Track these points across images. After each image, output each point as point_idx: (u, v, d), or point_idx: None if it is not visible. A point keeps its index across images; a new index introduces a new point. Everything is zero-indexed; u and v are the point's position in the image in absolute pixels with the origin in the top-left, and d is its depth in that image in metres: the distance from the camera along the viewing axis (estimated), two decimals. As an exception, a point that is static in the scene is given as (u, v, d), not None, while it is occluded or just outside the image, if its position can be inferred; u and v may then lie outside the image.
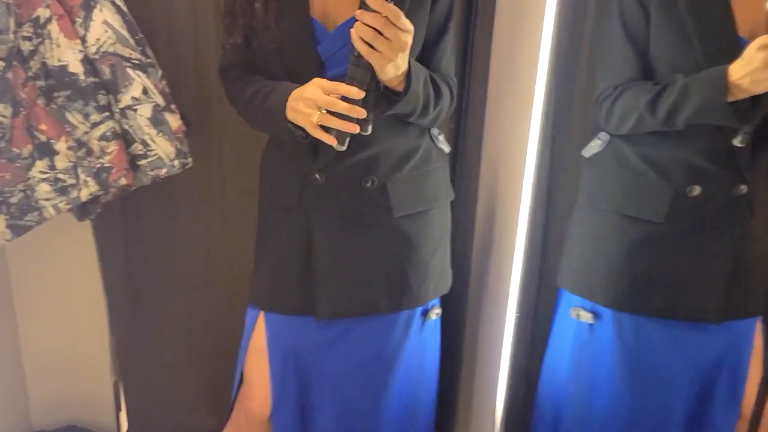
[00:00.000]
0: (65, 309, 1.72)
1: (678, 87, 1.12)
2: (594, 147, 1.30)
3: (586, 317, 1.30)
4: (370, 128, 1.07)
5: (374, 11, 0.97)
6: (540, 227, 1.55)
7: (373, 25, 0.97)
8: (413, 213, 1.24)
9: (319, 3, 1.15)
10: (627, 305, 1.26)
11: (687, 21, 1.13)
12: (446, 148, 1.33)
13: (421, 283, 1.28)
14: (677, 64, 1.15)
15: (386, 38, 0.98)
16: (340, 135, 1.05)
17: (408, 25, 1.00)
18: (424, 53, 1.20)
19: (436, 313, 1.35)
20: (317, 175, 1.19)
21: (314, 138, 1.09)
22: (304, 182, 1.21)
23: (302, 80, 1.11)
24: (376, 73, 1.04)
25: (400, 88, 1.09)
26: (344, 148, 1.07)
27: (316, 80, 1.07)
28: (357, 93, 1.02)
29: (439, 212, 1.30)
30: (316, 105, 1.05)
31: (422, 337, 1.35)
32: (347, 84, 1.03)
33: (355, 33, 0.99)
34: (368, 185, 1.20)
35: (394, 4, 0.98)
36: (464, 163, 1.59)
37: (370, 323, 1.27)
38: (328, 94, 1.04)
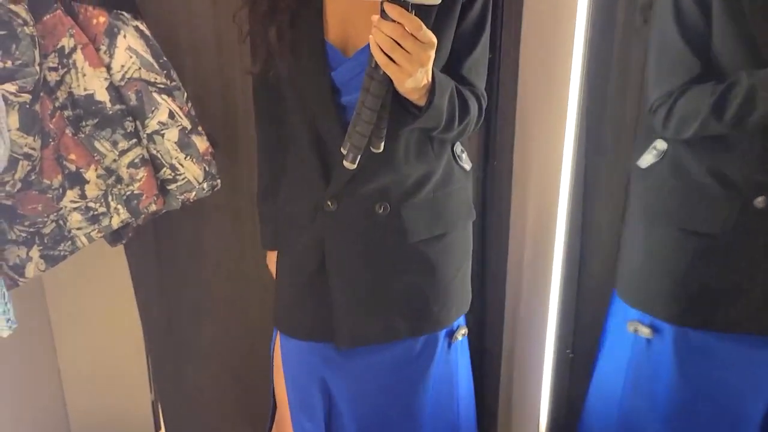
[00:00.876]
0: (102, 330, 1.74)
1: (744, 87, 1.05)
2: (650, 157, 1.24)
3: (644, 332, 1.25)
4: (382, 145, 1.01)
5: (393, 21, 0.89)
6: (577, 241, 1.51)
7: (391, 35, 0.89)
8: (431, 237, 1.19)
9: (336, 27, 1.10)
10: (690, 320, 1.21)
11: (750, 15, 1.06)
12: (468, 166, 1.26)
13: (442, 306, 1.22)
14: (739, 61, 1.09)
15: (405, 50, 0.90)
16: (350, 152, 0.98)
17: (430, 37, 0.91)
18: (452, 63, 1.12)
19: (462, 334, 1.30)
20: (329, 202, 1.15)
21: (325, 164, 1.12)
22: (316, 208, 1.17)
23: (313, 108, 1.10)
24: (393, 85, 0.96)
25: (422, 102, 1.01)
26: (354, 166, 0.99)
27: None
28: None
29: (459, 234, 1.24)
30: None
31: (449, 359, 1.30)
32: (361, 95, 0.96)
33: (373, 40, 0.91)
34: (380, 211, 1.15)
35: (417, 15, 0.90)
36: (495, 179, 1.54)
37: (391, 348, 1.23)
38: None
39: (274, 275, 1.32)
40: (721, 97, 1.08)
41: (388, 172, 1.12)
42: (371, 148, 1.00)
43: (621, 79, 1.31)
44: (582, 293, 1.61)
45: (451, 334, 1.28)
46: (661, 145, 1.23)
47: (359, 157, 0.98)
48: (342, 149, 0.98)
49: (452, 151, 1.21)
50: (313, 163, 1.15)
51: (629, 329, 1.28)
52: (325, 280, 1.18)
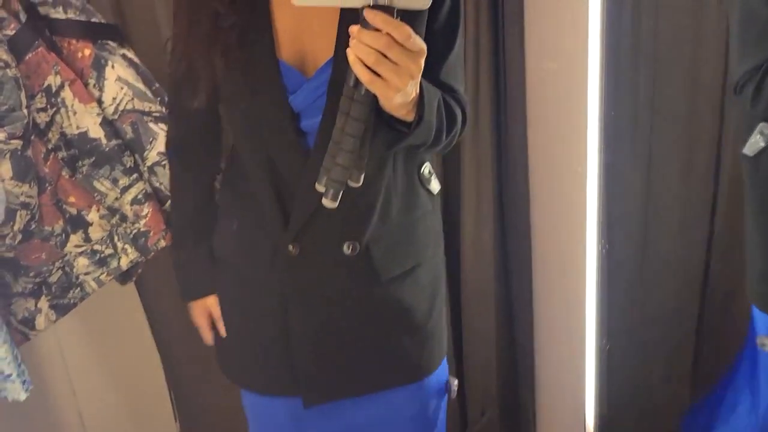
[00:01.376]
0: (120, 365, 1.68)
1: None
2: (758, 142, 1.12)
3: None
4: (362, 178, 0.86)
5: (375, 29, 0.74)
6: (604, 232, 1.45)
7: (375, 47, 0.74)
8: (402, 272, 1.05)
9: (290, 44, 0.95)
10: None
11: None
12: (436, 188, 1.11)
13: (422, 348, 1.09)
14: None
15: (392, 62, 0.75)
16: (329, 187, 0.83)
17: (420, 45, 0.77)
18: (428, 69, 0.88)
19: (455, 387, 1.16)
20: (290, 247, 0.99)
21: (282, 201, 0.99)
22: (274, 254, 1.02)
23: (268, 137, 0.97)
24: (377, 104, 0.83)
25: (410, 118, 0.87)
26: (336, 204, 0.84)
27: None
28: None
29: (429, 265, 1.10)
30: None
31: (429, 418, 1.15)
32: (339, 121, 0.81)
33: (353, 54, 0.76)
34: (349, 252, 1.01)
35: (402, 21, 0.75)
36: (509, 195, 1.49)
37: (367, 402, 1.10)
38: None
39: (202, 328, 1.18)
40: None
41: (353, 204, 0.98)
42: (350, 184, 0.85)
43: (640, 61, 1.23)
44: (613, 281, 1.55)
45: (447, 388, 1.15)
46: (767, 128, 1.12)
47: (341, 192, 0.84)
48: (318, 185, 0.84)
49: (419, 173, 1.07)
50: (268, 202, 1.00)
51: (758, 344, 1.16)
52: (285, 332, 1.05)
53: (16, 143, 1.09)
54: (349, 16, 0.77)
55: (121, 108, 1.20)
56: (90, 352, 1.64)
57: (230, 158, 1.10)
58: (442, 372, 1.14)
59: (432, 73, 0.95)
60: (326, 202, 0.83)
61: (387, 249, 1.03)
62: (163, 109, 1.24)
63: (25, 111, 1.10)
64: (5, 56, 1.07)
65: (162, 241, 1.25)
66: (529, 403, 1.78)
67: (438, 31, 0.96)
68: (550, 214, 1.51)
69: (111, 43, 1.21)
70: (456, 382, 1.17)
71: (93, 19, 1.20)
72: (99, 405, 1.68)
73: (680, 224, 1.52)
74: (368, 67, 0.75)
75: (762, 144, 1.12)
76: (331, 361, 1.06)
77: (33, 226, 1.15)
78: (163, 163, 1.23)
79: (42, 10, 1.15)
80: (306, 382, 1.06)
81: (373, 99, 0.80)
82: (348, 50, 0.76)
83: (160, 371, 1.68)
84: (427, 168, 1.09)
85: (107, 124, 1.19)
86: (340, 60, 0.88)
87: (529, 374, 1.75)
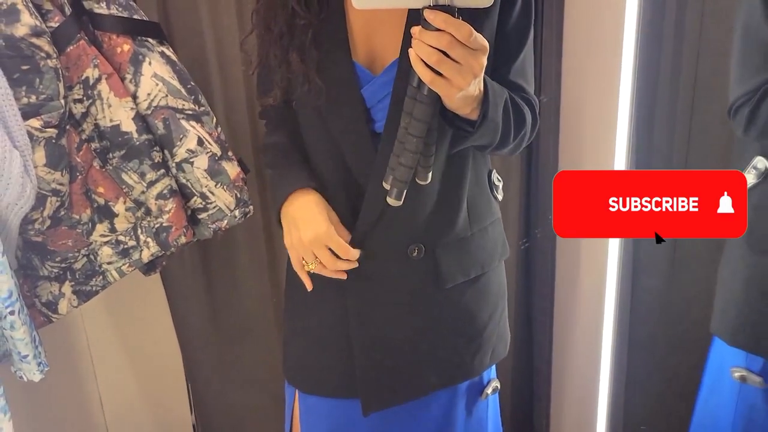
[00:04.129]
0: (142, 358, 1.72)
1: None
2: (751, 178, 1.10)
3: (754, 381, 1.11)
4: (429, 176, 0.89)
5: (437, 29, 0.75)
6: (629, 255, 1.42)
7: (437, 46, 0.75)
8: (467, 280, 1.05)
9: (362, 45, 0.97)
10: None
11: None
12: (501, 196, 1.13)
13: (475, 353, 1.09)
14: None
15: (455, 61, 0.77)
16: (394, 186, 0.86)
17: (482, 43, 0.78)
18: (498, 69, 0.98)
19: (493, 388, 1.16)
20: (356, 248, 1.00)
21: (352, 203, 0.99)
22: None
23: (343, 137, 0.98)
24: (441, 102, 0.83)
25: (474, 116, 0.88)
26: (400, 202, 0.87)
27: (322, 234, 0.97)
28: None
29: (495, 273, 1.11)
30: (312, 252, 0.98)
31: (479, 416, 1.16)
32: (403, 121, 0.84)
33: (414, 54, 0.77)
34: (414, 255, 1.01)
35: (463, 19, 0.76)
36: (538, 206, 1.46)
37: (419, 402, 1.10)
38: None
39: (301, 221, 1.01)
40: None
41: (422, 207, 0.99)
42: (417, 180, 0.88)
43: (672, 81, 1.19)
44: (636, 308, 1.51)
45: (481, 391, 1.15)
46: (762, 164, 1.08)
47: (405, 191, 0.86)
48: (384, 183, 0.87)
49: (489, 179, 1.09)
50: (339, 202, 1.02)
51: (734, 376, 1.13)
52: (346, 336, 1.05)
53: (52, 132, 1.12)
54: (416, 18, 0.78)
55: (154, 104, 1.22)
56: (114, 339, 1.67)
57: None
58: (487, 375, 1.15)
59: (502, 72, 0.98)
60: (391, 201, 0.87)
61: (454, 256, 1.04)
62: (197, 107, 1.26)
63: (62, 101, 1.13)
64: (47, 47, 1.11)
65: (183, 237, 1.26)
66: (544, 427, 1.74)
67: (509, 32, 0.97)
68: (573, 271, 1.49)
69: (150, 40, 1.24)
70: (495, 385, 1.16)
71: (135, 16, 1.23)
72: (118, 390, 1.72)
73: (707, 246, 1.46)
74: (430, 67, 0.77)
75: (754, 181, 1.09)
76: (390, 366, 1.06)
77: (62, 213, 1.18)
78: (191, 160, 1.25)
79: (86, 4, 1.19)
80: (365, 387, 1.06)
81: (437, 99, 0.82)
82: (410, 50, 0.78)
83: (179, 362, 1.71)
84: (495, 175, 1.10)
85: (140, 118, 1.21)
86: (405, 61, 0.88)
87: (545, 398, 1.72)
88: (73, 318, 1.61)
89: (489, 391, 1.15)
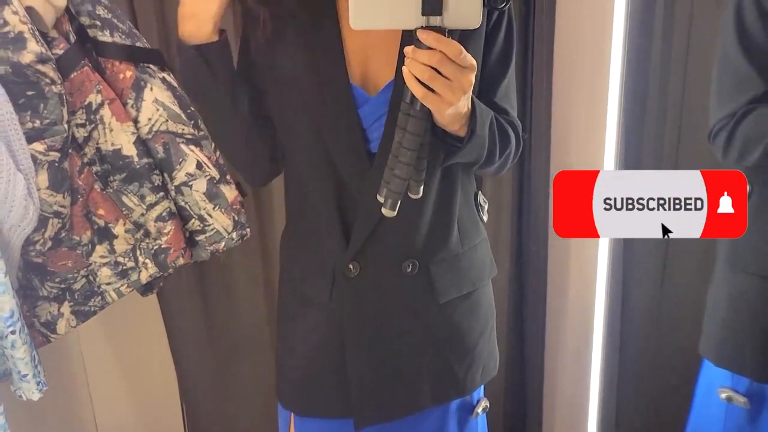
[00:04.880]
0: (137, 377, 1.73)
1: None
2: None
3: (739, 401, 1.13)
4: (421, 190, 0.93)
5: (428, 48, 0.81)
6: (619, 270, 1.45)
7: (429, 64, 0.81)
8: (459, 296, 1.10)
9: (358, 67, 1.02)
10: None
11: None
12: (486, 217, 1.18)
13: (467, 370, 1.13)
14: None
15: (446, 78, 0.82)
16: (388, 198, 0.90)
17: (471, 61, 0.84)
18: (484, 92, 1.04)
19: (483, 407, 1.19)
20: (350, 266, 1.04)
21: (344, 220, 1.02)
22: (335, 275, 1.06)
23: (340, 155, 1.01)
24: (432, 120, 0.89)
25: (463, 132, 0.94)
26: (394, 213, 0.90)
27: None
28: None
29: (485, 291, 1.16)
30: None
31: None
32: (397, 135, 0.88)
33: (408, 71, 0.83)
34: (409, 271, 1.05)
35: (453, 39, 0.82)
36: (530, 223, 1.49)
37: (410, 422, 1.12)
38: None
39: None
40: None
41: (416, 223, 1.04)
42: (409, 194, 0.92)
43: (660, 96, 1.22)
44: (626, 323, 1.53)
45: (471, 409, 1.18)
46: None
47: (398, 203, 0.91)
48: (378, 197, 0.91)
49: (476, 200, 1.14)
50: (330, 222, 1.05)
51: (721, 397, 1.15)
52: (342, 353, 1.08)
53: (55, 155, 1.15)
54: (409, 42, 0.84)
55: (155, 128, 1.26)
56: (109, 359, 1.69)
57: (292, 183, 1.14)
58: (477, 394, 1.18)
59: (488, 95, 1.04)
60: (385, 211, 0.91)
61: (448, 271, 1.08)
62: (196, 132, 1.30)
63: (66, 126, 1.16)
64: (52, 74, 1.14)
65: (180, 258, 1.29)
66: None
67: (494, 57, 1.04)
68: (564, 285, 1.51)
69: (152, 66, 1.28)
70: (485, 405, 1.19)
71: (138, 44, 1.27)
72: (113, 409, 1.73)
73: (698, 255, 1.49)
74: (423, 84, 0.82)
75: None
76: (383, 382, 1.09)
77: (63, 235, 1.20)
78: (190, 183, 1.28)
79: (91, 32, 1.23)
80: (359, 403, 1.09)
81: (428, 114, 0.88)
82: (403, 68, 0.83)
83: (174, 382, 1.72)
84: (481, 197, 1.15)
85: (140, 143, 1.25)
86: (400, 82, 0.92)
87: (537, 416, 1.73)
88: (69, 337, 1.62)
89: (479, 410, 1.18)
